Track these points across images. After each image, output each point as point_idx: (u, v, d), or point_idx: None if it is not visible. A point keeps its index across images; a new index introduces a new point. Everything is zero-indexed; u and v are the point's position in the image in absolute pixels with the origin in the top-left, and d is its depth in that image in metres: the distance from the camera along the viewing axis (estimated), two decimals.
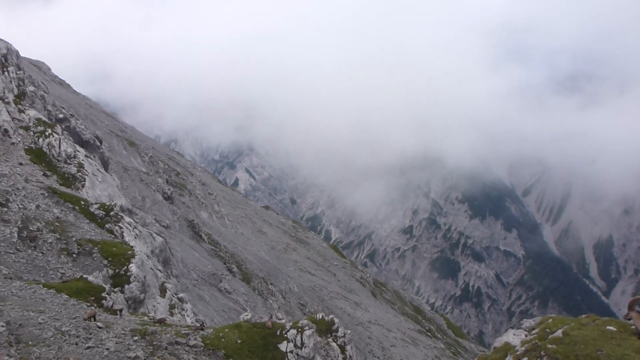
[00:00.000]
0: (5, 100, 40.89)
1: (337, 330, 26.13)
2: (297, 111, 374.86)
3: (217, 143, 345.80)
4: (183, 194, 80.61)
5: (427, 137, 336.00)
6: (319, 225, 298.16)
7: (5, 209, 30.99)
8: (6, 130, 38.73)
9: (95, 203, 37.88)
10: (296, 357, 23.48)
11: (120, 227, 37.05)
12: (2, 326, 18.63)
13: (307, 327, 24.72)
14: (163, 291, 33.59)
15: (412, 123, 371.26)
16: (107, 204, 38.71)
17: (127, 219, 38.87)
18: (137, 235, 38.12)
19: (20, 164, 37.26)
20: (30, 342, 18.78)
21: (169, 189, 74.23)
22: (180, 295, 36.39)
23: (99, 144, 51.72)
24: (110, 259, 31.65)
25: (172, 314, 32.45)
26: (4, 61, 46.21)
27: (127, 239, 36.25)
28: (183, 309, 34.52)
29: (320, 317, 26.64)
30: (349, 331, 27.25)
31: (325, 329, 26.04)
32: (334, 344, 25.14)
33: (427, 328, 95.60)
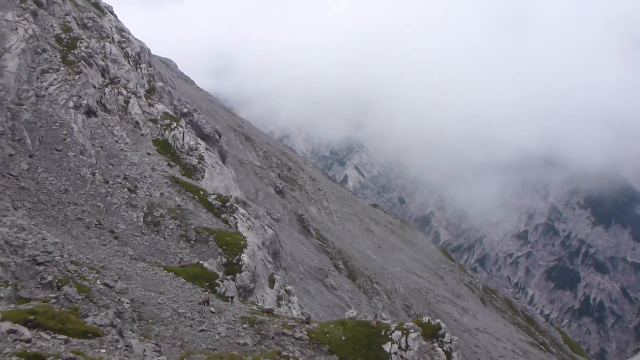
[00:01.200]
0: (138, 94, 44.13)
1: (443, 336, 25.34)
2: (407, 107, 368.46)
3: (328, 140, 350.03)
4: (294, 188, 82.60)
5: (547, 133, 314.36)
6: (428, 226, 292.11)
7: (134, 195, 33.47)
8: (137, 123, 41.80)
9: (213, 193, 39.84)
10: (400, 359, 23.11)
11: (235, 218, 38.66)
12: (127, 303, 20.09)
13: (412, 330, 24.22)
14: (272, 282, 34.59)
15: (531, 118, 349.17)
16: (224, 195, 40.57)
17: (241, 210, 40.48)
18: (249, 226, 39.56)
19: (148, 154, 40.05)
20: (150, 320, 20.10)
21: (280, 183, 76.39)
22: (288, 287, 37.27)
23: (218, 137, 54.27)
24: (224, 247, 33.18)
25: (279, 305, 33.31)
26: (137, 59, 49.90)
27: (240, 229, 37.75)
28: (290, 301, 35.31)
29: (427, 320, 25.98)
30: (456, 337, 26.35)
31: (431, 333, 25.35)
32: (439, 350, 24.41)
33: (540, 341, 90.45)
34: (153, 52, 58.79)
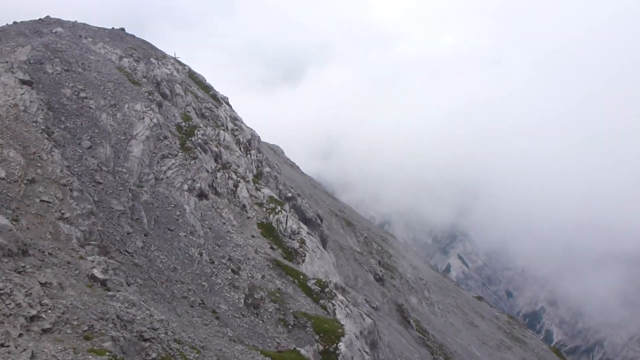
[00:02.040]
0: (246, 179, 46.30)
1: None
2: (514, 193, 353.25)
3: (430, 227, 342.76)
4: (394, 276, 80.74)
5: None
6: (538, 323, 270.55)
7: (237, 276, 34.28)
8: (244, 206, 43.55)
9: (313, 278, 39.88)
10: None
11: (333, 304, 38.18)
12: None
13: None
14: None
15: None
16: (323, 280, 40.47)
17: (340, 296, 39.99)
18: (348, 314, 38.80)
19: (253, 236, 41.27)
20: None
21: (380, 270, 75.07)
22: None
23: (319, 222, 54.98)
24: (321, 334, 32.62)
25: None
26: (248, 145, 52.81)
27: (338, 316, 37.11)
28: None
29: None
30: None
31: None
32: None
33: None
34: (263, 138, 62.10)
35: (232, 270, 34.43)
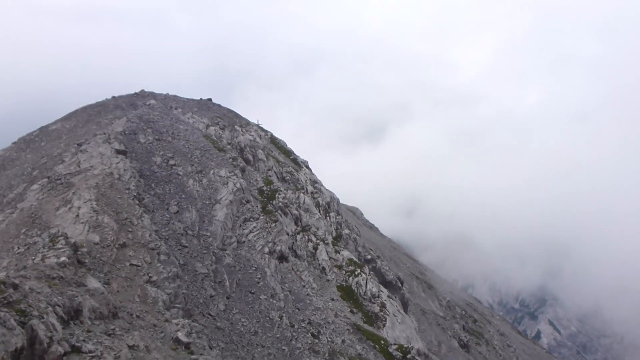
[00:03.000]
0: (326, 241, 46.41)
1: None
2: (607, 252, 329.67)
3: (517, 290, 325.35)
4: (480, 342, 76.70)
5: None
6: None
7: (317, 341, 33.80)
8: (324, 268, 43.46)
9: (394, 344, 38.59)
10: None
11: None
12: None
13: None
14: None
15: None
16: (405, 345, 39.04)
17: None
18: None
19: (332, 299, 40.85)
20: None
21: (465, 336, 71.63)
22: None
23: (400, 285, 53.74)
24: None
25: None
26: (327, 208, 53.24)
27: None
28: None
29: None
30: None
31: None
32: None
33: None
34: (343, 199, 62.49)
35: (312, 335, 34.04)
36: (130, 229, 28.74)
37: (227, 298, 31.59)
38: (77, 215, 27.51)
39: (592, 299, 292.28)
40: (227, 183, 40.90)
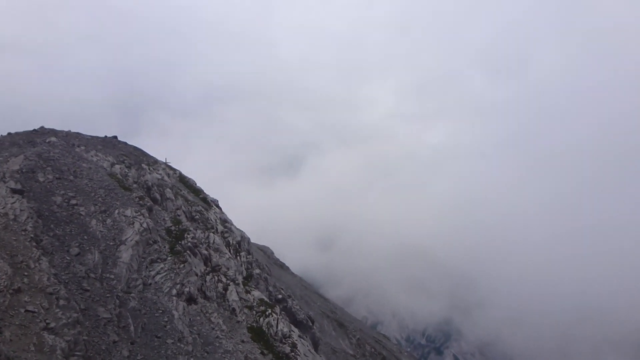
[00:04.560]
0: (236, 282, 45.76)
1: None
2: (508, 286, 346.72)
3: (424, 325, 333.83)
4: None
5: None
6: None
7: None
8: (234, 309, 42.70)
9: None
10: None
11: None
12: None
13: None
14: None
15: None
16: None
17: None
18: None
19: (243, 341, 40.10)
20: None
21: None
22: None
23: (311, 324, 53.75)
24: None
25: None
26: (237, 247, 52.69)
27: None
28: None
29: None
30: None
31: None
32: None
33: None
34: (256, 236, 62.13)
35: None
36: (26, 273, 26.98)
37: (132, 344, 30.20)
38: None
39: (493, 332, 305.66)
40: (133, 223, 39.56)
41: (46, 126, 52.16)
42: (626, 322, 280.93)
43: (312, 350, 47.59)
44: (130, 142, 58.97)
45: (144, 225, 40.12)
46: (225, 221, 56.06)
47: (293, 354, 42.87)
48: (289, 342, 43.67)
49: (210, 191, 62.91)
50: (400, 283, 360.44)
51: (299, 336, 46.20)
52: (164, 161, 60.97)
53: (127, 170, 49.61)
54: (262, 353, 40.24)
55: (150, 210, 44.19)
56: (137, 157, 54.68)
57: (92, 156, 47.90)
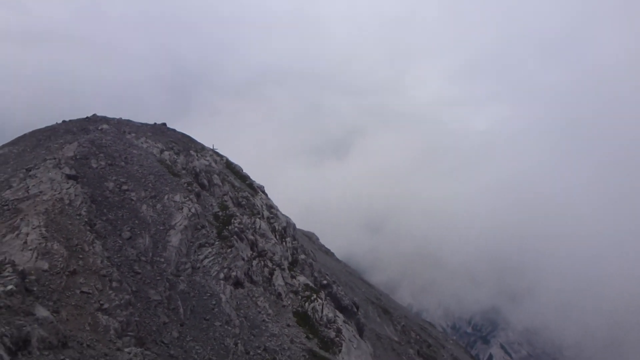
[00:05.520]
0: (282, 267, 46.28)
1: None
2: (557, 278, 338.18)
3: (470, 314, 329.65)
4: None
5: None
6: None
7: None
8: (279, 294, 43.25)
9: None
10: None
11: None
12: None
13: None
14: None
15: None
16: None
17: None
18: None
19: (288, 325, 40.62)
20: None
21: None
22: None
23: (356, 310, 53.90)
24: None
25: None
26: (283, 233, 53.19)
27: None
28: None
29: None
30: None
31: None
32: None
33: None
34: (299, 224, 62.55)
35: None
36: (81, 256, 28.02)
37: (181, 325, 31.03)
38: (25, 242, 26.65)
39: (543, 324, 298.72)
40: (182, 208, 40.47)
41: (98, 113, 53.79)
42: None
43: (357, 336, 47.77)
44: (179, 124, 60.20)
45: (192, 210, 40.97)
46: (271, 207, 56.64)
47: (338, 338, 43.16)
48: (334, 327, 43.98)
49: (257, 172, 63.63)
50: (447, 270, 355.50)
51: (344, 321, 46.44)
52: (212, 147, 61.94)
53: (175, 157, 50.68)
54: (307, 337, 40.67)
55: (198, 196, 45.09)
56: (186, 144, 55.75)
57: (142, 143, 49.14)
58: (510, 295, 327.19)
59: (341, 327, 44.47)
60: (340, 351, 42.16)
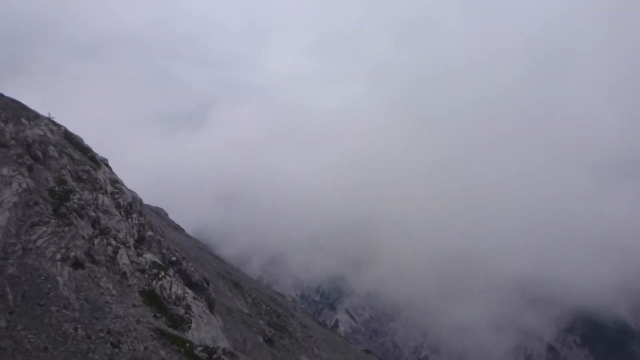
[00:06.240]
0: (127, 244, 44.08)
1: None
2: (392, 247, 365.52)
3: (319, 283, 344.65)
4: (283, 336, 79.64)
5: (542, 267, 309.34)
6: None
7: (117, 350, 31.97)
8: (124, 273, 41.23)
9: (200, 345, 38.19)
10: None
11: None
12: None
13: None
14: None
15: (528, 249, 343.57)
16: (211, 346, 38.89)
17: None
18: None
19: (134, 305, 38.99)
20: None
21: (270, 331, 73.80)
22: None
23: (206, 285, 53.39)
24: None
25: None
26: (129, 209, 50.60)
27: None
28: None
29: None
30: None
31: None
32: None
33: None
34: (149, 197, 59.95)
35: (112, 344, 32.08)
36: None
37: (10, 313, 28.28)
38: None
39: (384, 288, 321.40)
40: (11, 183, 36.55)
41: None
42: (501, 267, 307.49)
43: (207, 311, 47.40)
44: (8, 87, 53.94)
45: (24, 185, 37.21)
46: (115, 181, 53.45)
47: (187, 315, 42.43)
48: (183, 304, 43.12)
49: (102, 141, 59.67)
50: (296, 241, 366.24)
51: (194, 298, 45.73)
52: (48, 116, 56.48)
53: (3, 125, 45.41)
54: (155, 316, 39.41)
55: (30, 169, 41.00)
56: (16, 111, 50.20)
57: None
58: (355, 263, 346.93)
59: (191, 304, 43.76)
60: (189, 328, 41.52)
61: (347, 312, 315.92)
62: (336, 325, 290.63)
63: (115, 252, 42.13)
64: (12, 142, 44.07)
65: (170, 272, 45.44)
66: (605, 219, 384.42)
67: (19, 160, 40.45)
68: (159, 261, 46.27)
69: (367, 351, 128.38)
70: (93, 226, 42.38)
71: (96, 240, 41.23)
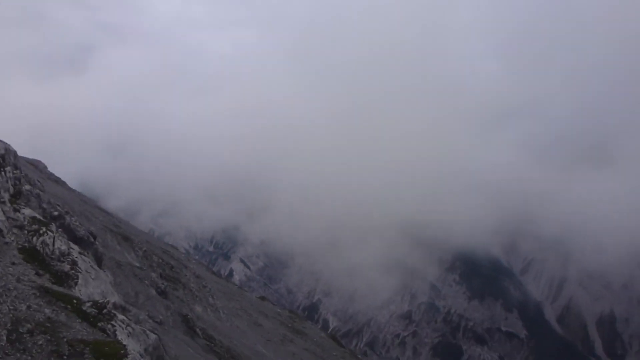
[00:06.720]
0: (1, 200, 41.25)
1: None
2: (285, 196, 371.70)
3: (212, 234, 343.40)
4: (177, 287, 79.29)
5: (422, 208, 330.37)
6: (317, 314, 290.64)
7: None
8: (1, 231, 38.74)
9: (88, 301, 37.21)
10: None
11: (113, 326, 36.15)
12: None
13: None
14: None
15: (407, 192, 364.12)
16: (100, 301, 38.02)
17: (120, 316, 38.02)
18: (130, 333, 37.15)
19: (13, 263, 36.96)
20: None
21: (162, 284, 73.09)
22: None
23: (93, 240, 51.57)
24: (102, 359, 30.67)
25: None
26: (2, 161, 47.04)
27: (120, 337, 35.29)
28: None
29: None
30: None
31: None
32: None
33: None
34: (25, 151, 55.82)
35: None
36: None
37: None
38: None
39: (277, 236, 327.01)
40: None
41: None
42: (388, 212, 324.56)
43: (95, 267, 46.00)
44: None
45: None
46: None
47: (73, 271, 40.96)
48: (68, 260, 41.51)
49: None
50: (187, 192, 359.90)
51: (80, 253, 44.10)
52: None
53: None
54: (37, 274, 37.64)
55: None
56: None
57: None
58: (248, 213, 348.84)
59: (77, 259, 42.20)
60: (76, 284, 40.16)
61: (242, 261, 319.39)
62: (231, 274, 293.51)
63: None
64: None
65: (53, 227, 43.31)
66: (483, 166, 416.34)
67: None
68: (39, 216, 43.86)
69: (262, 298, 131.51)
70: None
71: None
